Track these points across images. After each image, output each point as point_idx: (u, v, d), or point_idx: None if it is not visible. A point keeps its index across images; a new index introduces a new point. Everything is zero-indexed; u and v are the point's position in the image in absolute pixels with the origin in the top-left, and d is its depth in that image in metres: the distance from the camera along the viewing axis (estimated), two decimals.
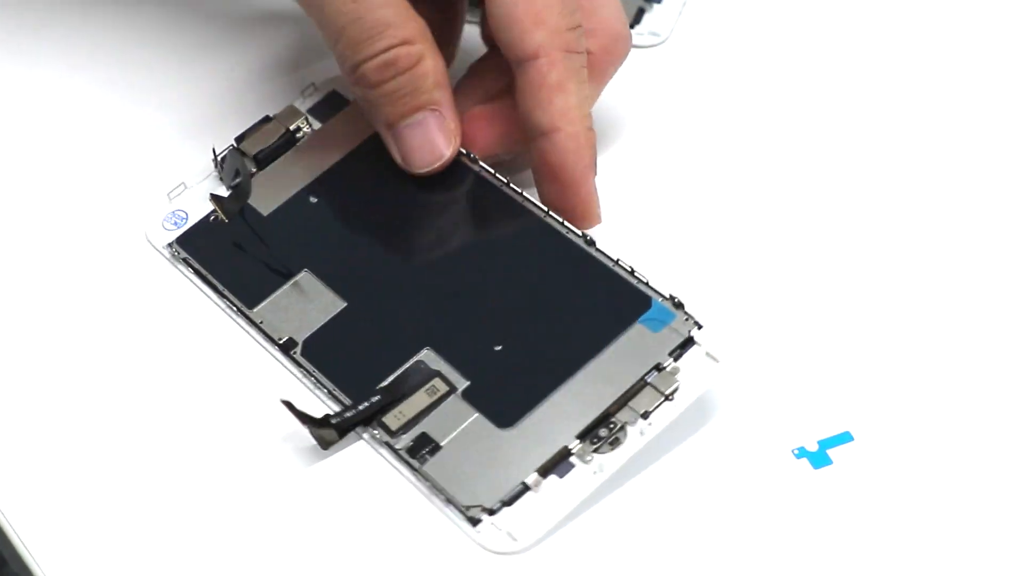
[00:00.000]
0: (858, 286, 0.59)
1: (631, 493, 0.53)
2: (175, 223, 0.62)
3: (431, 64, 0.59)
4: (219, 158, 0.62)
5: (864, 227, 0.62)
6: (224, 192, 0.62)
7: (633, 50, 0.63)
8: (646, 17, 0.72)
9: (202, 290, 0.60)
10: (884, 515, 0.52)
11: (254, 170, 0.62)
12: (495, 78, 0.62)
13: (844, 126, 0.67)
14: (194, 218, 0.62)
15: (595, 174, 0.59)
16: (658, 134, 0.67)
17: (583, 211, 0.59)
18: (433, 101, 0.59)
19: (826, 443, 0.53)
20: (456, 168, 0.61)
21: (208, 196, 0.61)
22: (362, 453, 0.55)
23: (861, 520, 0.52)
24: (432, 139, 0.59)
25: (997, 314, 0.58)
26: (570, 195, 0.59)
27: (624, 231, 0.60)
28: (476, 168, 0.61)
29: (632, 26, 0.71)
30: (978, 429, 0.54)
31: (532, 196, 0.60)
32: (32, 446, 0.57)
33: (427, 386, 0.56)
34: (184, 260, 0.61)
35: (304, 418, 0.54)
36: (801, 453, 0.53)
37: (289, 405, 0.55)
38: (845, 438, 0.54)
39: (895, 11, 0.72)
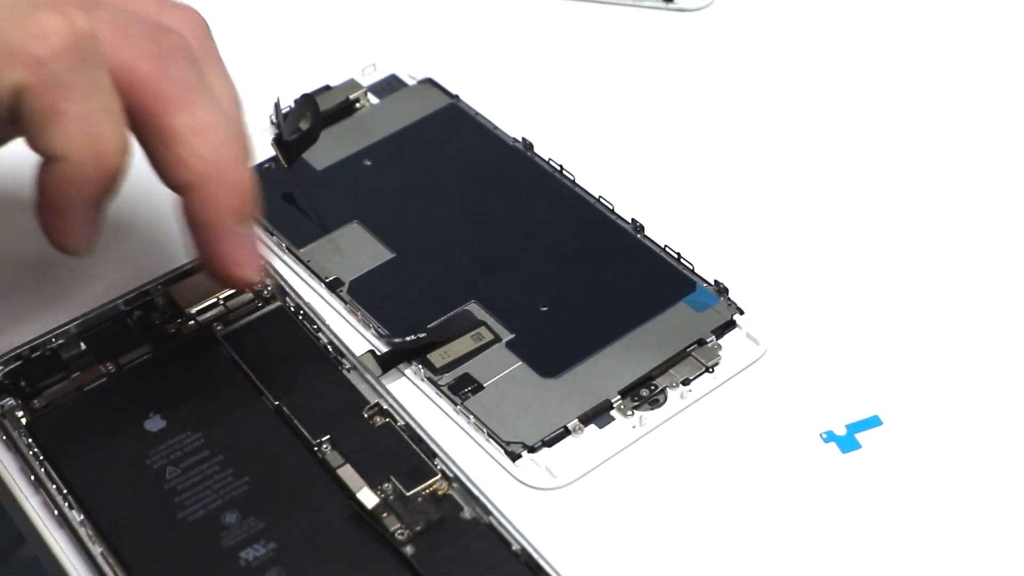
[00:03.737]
0: (887, 273, 0.60)
1: (665, 458, 0.54)
2: None
3: None
4: (281, 108, 0.63)
5: (896, 214, 0.62)
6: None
7: (680, 14, 0.61)
8: None
9: None
10: (912, 499, 0.52)
11: None
12: None
13: (892, 102, 0.66)
14: None
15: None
16: (707, 104, 0.66)
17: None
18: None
19: (854, 427, 0.54)
20: (510, 152, 0.63)
21: (270, 143, 0.62)
22: (404, 389, 0.56)
23: (889, 504, 0.52)
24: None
25: None
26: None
27: (672, 210, 0.61)
28: (529, 154, 0.63)
29: None
30: (1006, 413, 0.54)
31: (583, 183, 0.62)
32: None
33: (473, 332, 0.57)
34: None
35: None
36: (830, 437, 0.54)
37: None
38: (874, 422, 0.54)
39: None
